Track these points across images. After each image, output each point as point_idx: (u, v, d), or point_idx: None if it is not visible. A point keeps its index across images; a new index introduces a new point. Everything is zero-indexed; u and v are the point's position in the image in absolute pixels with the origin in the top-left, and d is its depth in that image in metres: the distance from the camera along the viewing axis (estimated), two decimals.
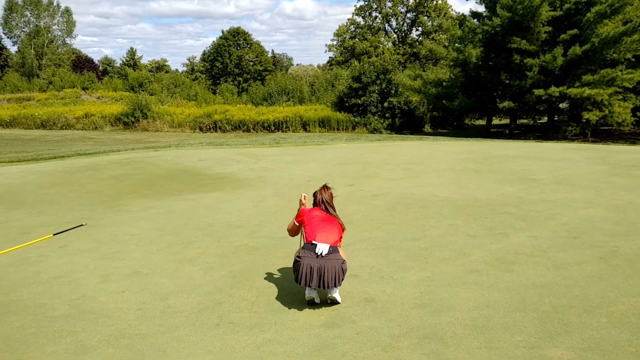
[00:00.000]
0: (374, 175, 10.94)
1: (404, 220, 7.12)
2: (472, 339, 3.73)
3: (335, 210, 4.80)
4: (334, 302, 4.43)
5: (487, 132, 32.31)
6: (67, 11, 70.94)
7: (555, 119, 32.00)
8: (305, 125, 34.70)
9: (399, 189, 9.30)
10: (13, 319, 4.36)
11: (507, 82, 28.45)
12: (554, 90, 26.34)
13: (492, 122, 35.19)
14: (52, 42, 70.29)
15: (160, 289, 4.90)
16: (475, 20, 32.61)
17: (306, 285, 4.31)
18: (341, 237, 4.67)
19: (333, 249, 4.40)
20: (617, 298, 4.36)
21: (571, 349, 3.54)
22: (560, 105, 31.19)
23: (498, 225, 6.72)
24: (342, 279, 4.35)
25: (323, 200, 4.79)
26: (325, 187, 4.88)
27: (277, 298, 4.61)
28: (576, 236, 6.14)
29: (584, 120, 26.95)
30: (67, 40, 72.95)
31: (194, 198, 9.05)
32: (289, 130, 34.63)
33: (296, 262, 4.39)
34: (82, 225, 7.33)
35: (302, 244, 4.60)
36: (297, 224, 4.80)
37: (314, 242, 4.43)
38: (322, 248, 4.37)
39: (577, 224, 6.65)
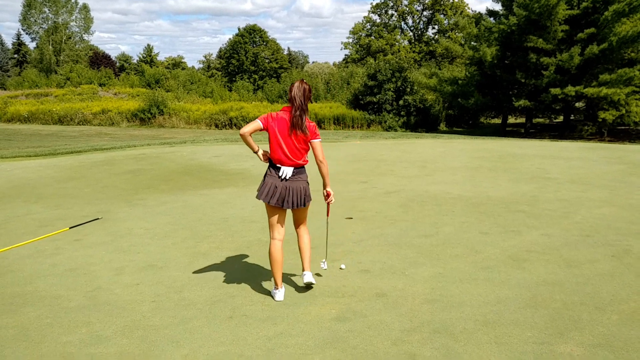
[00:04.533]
0: (388, 172, 10.95)
1: (417, 217, 7.13)
2: (482, 334, 3.75)
3: (305, 111, 4.31)
4: (309, 286, 4.54)
5: (502, 131, 32.08)
6: (85, 8, 71.86)
7: (572, 118, 31.69)
8: (320, 123, 34.77)
9: (412, 187, 9.30)
10: (30, 309, 4.45)
11: (523, 80, 28.24)
12: (571, 89, 26.10)
13: (508, 121, 34.93)
14: (70, 38, 71.19)
15: (174, 282, 4.98)
16: (492, 18, 32.42)
17: (266, 200, 4.33)
18: (314, 136, 4.38)
19: (298, 170, 4.37)
20: (628, 296, 4.34)
21: (581, 345, 3.54)
22: (577, 105, 30.88)
23: (511, 223, 6.70)
24: (309, 200, 4.45)
25: (293, 97, 4.28)
26: (301, 81, 4.39)
27: (288, 292, 4.65)
28: (589, 234, 6.10)
29: (601, 120, 26.68)
30: (85, 37, 73.97)
31: (209, 193, 9.15)
32: None
33: (263, 180, 4.44)
34: (98, 219, 7.45)
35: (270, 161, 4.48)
36: (259, 124, 4.31)
37: (277, 165, 4.38)
38: (286, 171, 4.34)
39: (590, 223, 6.61)
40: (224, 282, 4.95)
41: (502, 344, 3.60)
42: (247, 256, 5.69)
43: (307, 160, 4.50)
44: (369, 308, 4.26)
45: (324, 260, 5.12)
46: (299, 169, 4.41)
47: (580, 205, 7.63)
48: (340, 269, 5.18)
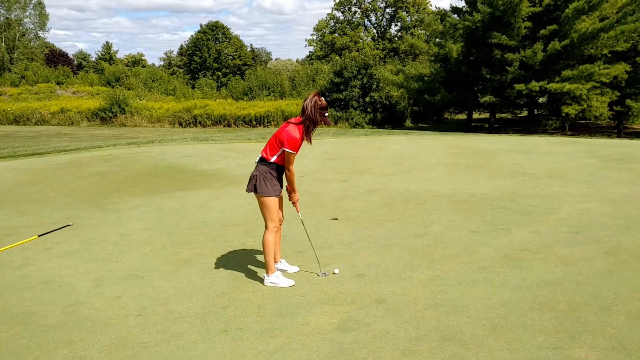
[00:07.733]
0: (366, 170, 10.81)
1: (403, 217, 6.99)
2: (492, 340, 3.61)
3: (314, 123, 4.72)
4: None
5: (468, 126, 32.47)
6: (40, 4, 68.93)
7: (536, 112, 32.32)
8: (287, 120, 34.42)
9: (393, 185, 9.18)
10: (1, 328, 4.08)
11: (488, 77, 28.58)
12: (535, 85, 26.57)
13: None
14: (24, 35, 68.39)
15: (159, 293, 4.68)
16: (456, 15, 32.70)
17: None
18: (285, 145, 4.63)
19: (261, 161, 4.76)
20: (630, 294, 4.28)
21: (595, 349, 3.43)
22: (540, 100, 31.51)
23: (498, 220, 6.63)
24: (255, 189, 4.66)
25: (304, 107, 4.72)
26: (316, 94, 4.77)
27: (283, 301, 4.43)
28: (578, 231, 6.08)
29: (564, 114, 27.27)
30: (40, 34, 71.01)
31: (184, 196, 8.80)
32: (271, 125, 34.33)
33: None
34: (68, 225, 7.03)
35: None
36: None
37: None
38: (257, 158, 4.83)
39: (577, 219, 6.60)
40: (212, 292, 4.68)
41: (515, 350, 3.47)
42: (233, 263, 5.42)
43: (270, 159, 4.70)
44: (371, 316, 4.07)
45: (320, 271, 5.00)
46: (262, 161, 4.74)
47: (562, 200, 7.65)
48: (334, 273, 4.98)
